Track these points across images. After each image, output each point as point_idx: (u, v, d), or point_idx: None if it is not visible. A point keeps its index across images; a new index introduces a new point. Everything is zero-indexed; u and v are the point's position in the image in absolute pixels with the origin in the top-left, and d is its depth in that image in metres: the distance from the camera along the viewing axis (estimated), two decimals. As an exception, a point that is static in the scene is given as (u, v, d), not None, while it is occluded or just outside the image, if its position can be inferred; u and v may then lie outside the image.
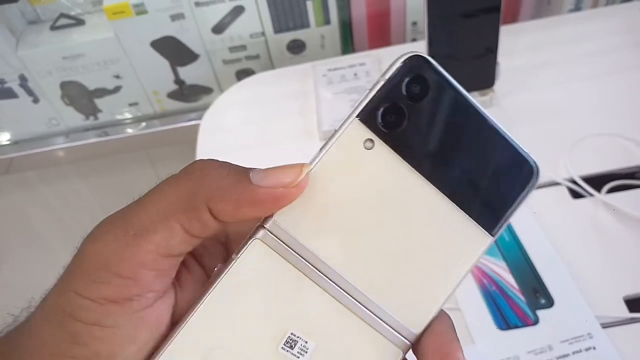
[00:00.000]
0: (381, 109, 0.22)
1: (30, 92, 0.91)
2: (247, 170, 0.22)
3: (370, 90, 0.22)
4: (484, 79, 0.70)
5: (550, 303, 0.54)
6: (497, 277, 0.57)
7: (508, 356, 0.52)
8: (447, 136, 0.23)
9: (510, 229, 0.60)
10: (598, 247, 0.59)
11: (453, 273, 0.23)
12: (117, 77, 0.89)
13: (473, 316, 0.55)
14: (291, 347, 0.22)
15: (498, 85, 0.71)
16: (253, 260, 0.23)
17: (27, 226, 1.19)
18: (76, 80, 0.89)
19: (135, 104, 0.95)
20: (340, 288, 0.23)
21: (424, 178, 0.23)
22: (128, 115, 0.98)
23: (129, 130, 0.98)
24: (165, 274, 0.23)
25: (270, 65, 0.91)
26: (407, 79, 0.22)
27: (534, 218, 0.61)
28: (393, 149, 0.22)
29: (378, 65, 0.78)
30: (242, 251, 0.23)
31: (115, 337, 0.22)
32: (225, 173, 0.22)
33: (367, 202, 0.23)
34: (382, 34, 0.88)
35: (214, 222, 0.22)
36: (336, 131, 0.22)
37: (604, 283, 0.56)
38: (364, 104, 0.22)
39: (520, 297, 0.55)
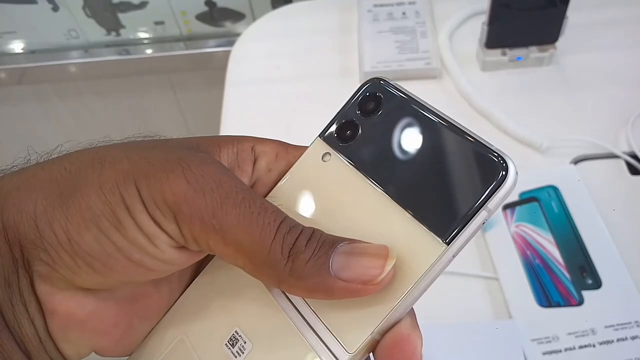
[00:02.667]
0: (336, 125, 0.25)
1: (50, -1, 0.85)
2: (330, 250, 0.21)
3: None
4: (547, 32, 0.64)
5: (597, 284, 0.50)
6: (542, 249, 0.53)
7: (547, 335, 0.49)
8: (400, 143, 0.23)
9: (560, 200, 0.55)
10: (653, 229, 0.54)
11: (397, 289, 0.21)
12: (145, -10, 0.83)
13: (512, 289, 0.51)
14: (232, 345, 0.23)
15: (560, 42, 0.65)
16: (219, 265, 0.25)
17: (37, 140, 1.15)
18: (100, -11, 0.82)
19: (161, 22, 0.89)
20: (288, 300, 0.23)
21: (375, 184, 0.23)
22: (152, 35, 0.91)
23: (151, 51, 0.92)
24: None
25: (310, -6, 0.84)
26: (360, 97, 0.25)
27: (587, 191, 0.56)
28: (347, 159, 0.24)
29: (430, 6, 0.72)
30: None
31: None
32: (312, 250, 0.21)
33: (324, 208, 0.24)
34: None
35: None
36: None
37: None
38: (327, 124, 0.25)
39: (565, 275, 0.51)
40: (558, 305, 0.50)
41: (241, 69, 0.73)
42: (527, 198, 0.56)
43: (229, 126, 0.67)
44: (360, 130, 0.24)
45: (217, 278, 0.25)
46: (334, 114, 0.25)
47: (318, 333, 0.22)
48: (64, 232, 0.21)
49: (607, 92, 0.63)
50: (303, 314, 0.22)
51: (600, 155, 0.59)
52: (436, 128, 0.22)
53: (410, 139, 0.23)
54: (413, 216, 0.21)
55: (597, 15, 0.69)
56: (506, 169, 0.20)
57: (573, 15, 0.62)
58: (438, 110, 0.23)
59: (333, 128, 0.25)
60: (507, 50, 0.65)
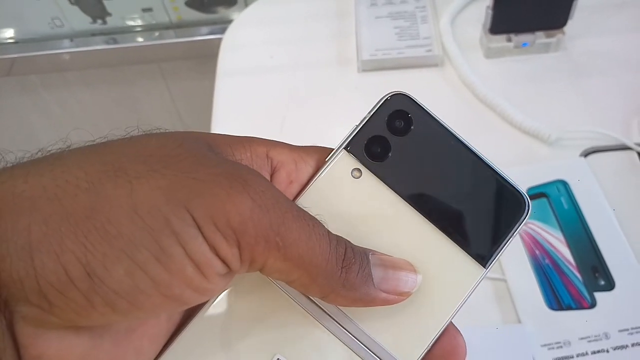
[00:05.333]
0: (364, 140, 0.24)
1: (31, -15, 0.81)
2: (368, 262, 0.22)
3: (359, 123, 0.24)
4: (554, 16, 0.60)
5: (610, 285, 0.48)
6: (552, 249, 0.50)
7: (558, 340, 0.46)
8: (433, 168, 0.24)
9: (570, 195, 0.53)
10: (667, 225, 0.51)
11: (443, 307, 0.23)
12: (130, -24, 0.79)
13: (521, 291, 0.48)
14: None
15: (568, 26, 0.61)
16: (248, 286, 0.23)
17: (26, 132, 1.11)
18: (83, -25, 0.79)
19: (149, 9, 0.85)
20: (331, 317, 0.23)
21: (412, 206, 0.24)
22: (140, 22, 0.88)
23: (140, 39, 0.88)
24: None
25: (304, -22, 0.80)
26: (388, 114, 0.24)
27: (598, 185, 0.53)
28: (380, 178, 0.24)
29: (431, -11, 0.68)
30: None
31: None
32: (358, 261, 0.21)
33: (355, 229, 0.23)
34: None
35: None
36: (326, 161, 0.24)
37: (672, 267, 0.49)
38: (352, 136, 0.24)
39: (576, 275, 0.49)
40: (569, 308, 0.47)
41: (233, 57, 0.70)
42: (535, 194, 0.53)
43: (221, 119, 0.64)
44: (391, 149, 0.24)
45: (232, 299, 0.23)
46: (355, 126, 0.24)
47: (375, 352, 0.23)
48: (82, 265, 0.17)
49: (618, 80, 0.60)
50: (351, 332, 0.23)
51: (612, 147, 0.56)
52: (466, 157, 0.24)
53: (445, 166, 0.24)
54: (453, 241, 0.23)
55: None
56: (528, 205, 0.24)
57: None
58: (463, 138, 0.24)
59: (361, 142, 0.24)
60: (512, 36, 0.61)
